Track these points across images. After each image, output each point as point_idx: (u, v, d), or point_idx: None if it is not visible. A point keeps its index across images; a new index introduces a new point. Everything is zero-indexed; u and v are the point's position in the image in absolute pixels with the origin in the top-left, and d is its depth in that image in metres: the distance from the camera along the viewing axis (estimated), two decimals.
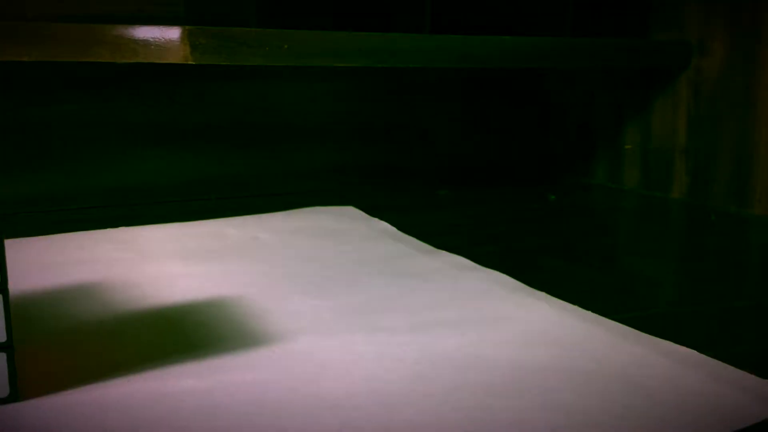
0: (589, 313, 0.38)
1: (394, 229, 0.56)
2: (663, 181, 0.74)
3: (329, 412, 0.27)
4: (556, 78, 0.85)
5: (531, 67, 0.66)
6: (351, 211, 0.62)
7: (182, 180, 0.66)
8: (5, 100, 0.59)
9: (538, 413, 0.27)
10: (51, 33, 0.50)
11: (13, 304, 0.32)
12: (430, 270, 0.46)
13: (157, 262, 0.46)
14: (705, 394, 0.29)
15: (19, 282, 0.41)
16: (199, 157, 0.66)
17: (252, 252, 0.50)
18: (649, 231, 0.62)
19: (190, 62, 0.50)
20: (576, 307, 0.39)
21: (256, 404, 0.28)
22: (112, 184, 0.63)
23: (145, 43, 0.50)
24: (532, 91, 0.85)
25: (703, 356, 0.33)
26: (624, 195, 0.76)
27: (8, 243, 0.40)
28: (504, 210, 0.67)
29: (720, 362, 0.32)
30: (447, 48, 0.61)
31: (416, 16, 0.64)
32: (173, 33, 0.50)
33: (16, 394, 0.28)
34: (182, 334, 0.35)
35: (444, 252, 0.50)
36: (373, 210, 0.62)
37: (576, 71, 0.82)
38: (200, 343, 0.34)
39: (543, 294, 0.41)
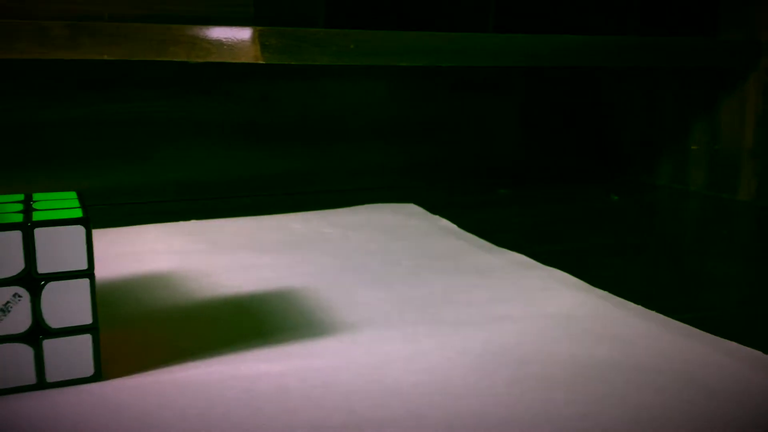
0: (652, 312, 0.38)
1: (454, 226, 0.57)
2: (730, 183, 0.73)
3: (395, 399, 0.28)
4: (621, 76, 0.84)
5: (595, 65, 0.65)
6: (412, 208, 0.63)
7: (250, 175, 0.67)
8: (84, 97, 0.62)
9: (597, 408, 0.28)
10: (128, 33, 0.52)
11: (96, 289, 0.34)
12: (491, 267, 0.46)
13: (228, 254, 0.48)
14: None
15: (99, 269, 0.43)
16: (266, 154, 0.68)
17: (317, 246, 0.51)
18: (714, 232, 0.61)
19: (260, 62, 0.51)
20: (638, 306, 0.39)
21: (325, 388, 0.29)
22: (183, 179, 0.65)
23: (218, 43, 0.52)
24: (596, 89, 0.84)
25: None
26: (689, 196, 0.75)
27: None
28: (565, 209, 0.67)
29: None
30: (510, 47, 0.61)
31: (480, 14, 0.64)
32: (245, 33, 0.52)
33: (99, 374, 0.30)
34: (254, 321, 0.36)
35: (505, 249, 0.50)
36: (433, 208, 0.62)
37: (641, 70, 0.81)
38: (271, 330, 0.35)
39: (605, 293, 0.41)
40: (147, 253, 0.48)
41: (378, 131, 0.73)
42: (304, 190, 0.69)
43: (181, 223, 0.56)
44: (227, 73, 0.66)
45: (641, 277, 0.46)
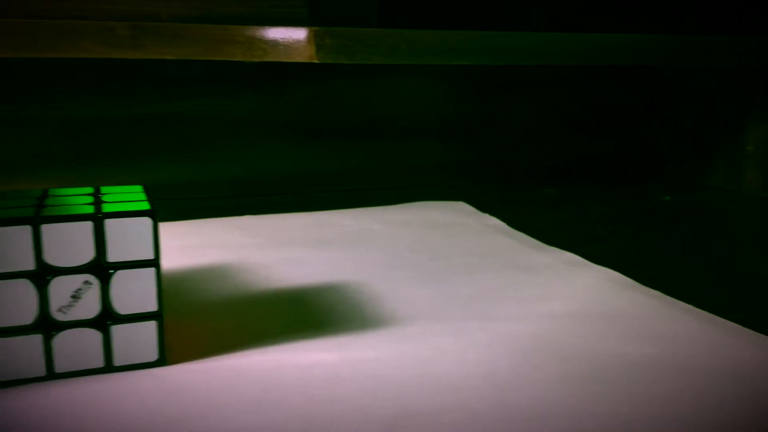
0: (703, 312, 0.38)
1: (503, 224, 0.57)
2: None
3: (444, 391, 0.29)
4: (674, 75, 0.83)
5: (646, 64, 0.65)
6: (461, 206, 0.64)
7: (302, 172, 0.69)
8: (145, 95, 0.64)
9: (645, 406, 0.28)
10: (188, 33, 0.54)
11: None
12: (539, 265, 0.46)
13: (281, 248, 0.49)
14: None
15: (162, 261, 0.45)
16: (318, 152, 0.69)
17: (367, 242, 0.52)
18: (766, 233, 0.60)
19: (314, 61, 0.52)
20: (689, 306, 0.39)
21: (376, 379, 0.30)
22: (238, 176, 0.67)
23: (274, 43, 0.53)
24: (647, 88, 0.83)
25: None
26: (743, 197, 0.73)
27: None
28: (615, 209, 0.67)
29: None
30: (561, 46, 0.61)
31: (532, 13, 0.64)
32: (300, 33, 0.53)
33: (163, 359, 0.31)
34: (307, 312, 0.38)
35: (554, 248, 0.50)
36: (481, 206, 0.63)
37: (696, 69, 0.80)
38: (323, 322, 0.36)
39: (655, 292, 0.41)
40: (205, 246, 0.49)
41: (428, 130, 0.74)
42: (355, 188, 0.70)
43: (237, 218, 0.58)
44: (280, 72, 0.68)
45: (691, 277, 0.46)
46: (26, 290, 0.29)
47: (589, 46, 0.61)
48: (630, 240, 0.56)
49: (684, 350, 0.33)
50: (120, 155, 0.63)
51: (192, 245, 0.49)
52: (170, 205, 0.61)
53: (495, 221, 0.58)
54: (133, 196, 0.33)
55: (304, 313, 0.38)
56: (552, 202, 0.69)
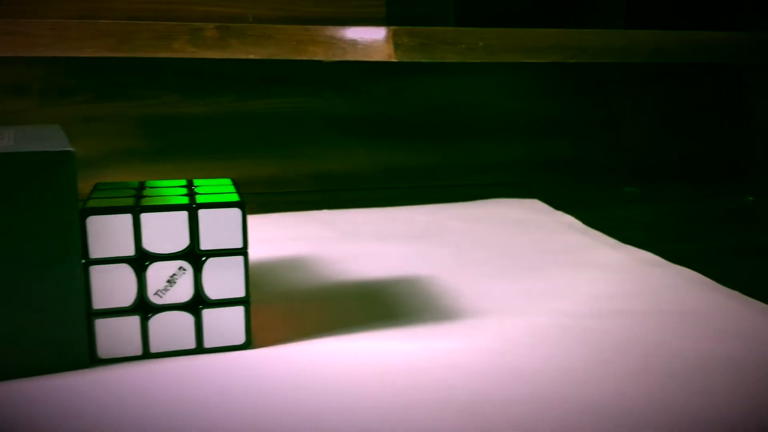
0: None
1: (579, 222, 0.57)
2: None
3: (517, 383, 0.30)
4: (756, 72, 0.80)
5: (726, 62, 0.64)
6: (536, 203, 0.64)
7: (378, 169, 0.70)
8: (229, 93, 0.66)
9: (721, 403, 0.28)
10: (272, 33, 0.56)
11: None
12: (615, 263, 0.46)
13: (358, 242, 0.51)
14: None
15: None
16: (394, 149, 0.71)
17: (441, 237, 0.53)
18: None
19: (393, 60, 0.54)
20: (767, 306, 0.38)
21: (451, 368, 0.31)
22: (316, 171, 0.69)
23: (354, 43, 0.54)
24: (729, 85, 0.81)
25: None
26: None
27: None
28: (696, 208, 0.65)
29: None
30: (639, 43, 0.61)
31: (611, 11, 0.64)
32: (379, 33, 0.54)
33: (249, 342, 0.33)
34: (383, 303, 0.39)
35: (631, 247, 0.50)
36: (556, 204, 0.63)
37: None
38: (399, 313, 0.37)
39: (735, 292, 0.41)
40: (285, 239, 0.51)
41: (505, 127, 0.74)
42: (430, 184, 0.71)
43: (314, 212, 0.60)
44: (358, 70, 0.69)
45: None
46: (126, 275, 0.31)
47: (666, 44, 0.60)
48: (710, 240, 0.55)
49: (762, 349, 0.33)
50: (204, 150, 0.65)
51: (272, 237, 0.51)
52: (250, 198, 0.63)
53: (570, 219, 0.58)
54: (224, 188, 0.35)
55: (380, 304, 0.39)
56: (631, 201, 0.68)
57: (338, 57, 0.54)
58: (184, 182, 0.36)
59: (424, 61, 0.54)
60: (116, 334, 0.31)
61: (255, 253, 0.47)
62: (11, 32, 0.49)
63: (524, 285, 0.42)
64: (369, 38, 0.54)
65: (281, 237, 0.52)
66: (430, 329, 0.35)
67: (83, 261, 0.30)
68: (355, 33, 0.55)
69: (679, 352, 0.33)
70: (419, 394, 0.29)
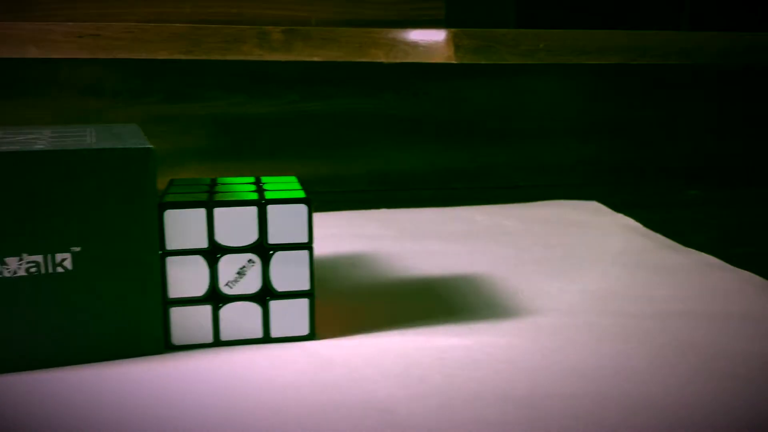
0: None
1: (639, 224, 0.57)
2: None
3: (576, 379, 0.30)
4: None
5: None
6: (595, 205, 0.64)
7: (436, 169, 0.71)
8: (293, 94, 0.68)
9: None
10: (335, 36, 0.57)
11: None
12: (676, 265, 0.46)
13: (416, 240, 0.52)
14: None
15: None
16: (453, 149, 0.71)
17: (499, 237, 0.53)
18: None
19: (452, 62, 0.54)
20: None
21: (510, 364, 0.32)
22: (374, 171, 0.70)
23: (415, 45, 0.55)
24: None
25: None
26: None
27: None
28: (758, 212, 0.64)
29: None
30: (701, 45, 0.60)
31: (674, 12, 0.63)
32: (439, 35, 0.55)
33: (313, 333, 0.34)
34: (442, 300, 0.40)
35: (691, 250, 0.50)
36: (616, 206, 0.62)
37: None
38: (458, 309, 0.38)
39: None
40: (345, 236, 0.53)
41: (565, 129, 0.74)
42: (489, 185, 0.72)
43: (374, 211, 0.61)
44: (418, 72, 0.70)
45: None
46: (199, 266, 0.32)
47: (729, 45, 0.59)
48: None
49: None
50: (269, 149, 0.67)
51: (332, 234, 0.53)
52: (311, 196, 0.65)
53: (630, 221, 0.58)
54: (290, 185, 0.36)
55: (439, 301, 0.40)
56: (694, 204, 0.67)
57: (399, 59, 0.55)
58: (252, 179, 0.38)
59: (484, 62, 0.55)
60: (189, 322, 0.33)
61: (317, 248, 0.48)
62: (93, 35, 0.52)
63: (583, 285, 0.42)
64: (430, 40, 0.55)
65: (341, 234, 0.53)
66: (488, 326, 0.36)
67: (160, 252, 0.32)
68: (417, 35, 0.56)
69: (740, 354, 0.33)
70: (479, 386, 0.30)
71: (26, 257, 0.30)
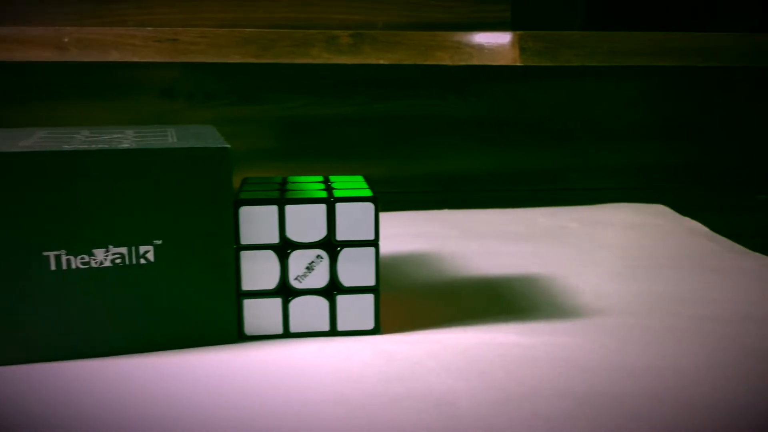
0: None
1: (705, 228, 0.56)
2: None
3: (635, 379, 0.31)
4: None
5: None
6: (660, 209, 0.63)
7: (500, 171, 0.71)
8: (358, 97, 0.69)
9: None
10: (401, 40, 0.59)
11: None
12: (740, 269, 0.46)
13: (478, 240, 0.53)
14: None
15: None
16: (517, 151, 0.72)
17: (561, 239, 0.54)
18: None
19: (517, 64, 0.55)
20: None
21: (568, 361, 0.32)
22: (437, 172, 0.71)
23: (480, 47, 0.56)
24: None
25: None
26: None
27: None
28: None
29: None
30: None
31: (744, 13, 0.62)
32: (504, 38, 0.56)
33: (378, 328, 0.35)
34: (503, 299, 0.40)
35: (758, 254, 0.49)
36: (683, 209, 0.62)
37: None
38: (519, 309, 0.39)
39: None
40: (408, 235, 0.54)
41: (630, 131, 0.73)
42: (552, 187, 0.72)
43: (436, 212, 0.62)
44: (482, 74, 0.71)
45: None
46: (271, 260, 0.34)
47: None
48: None
49: None
50: (335, 150, 0.69)
51: (396, 234, 0.54)
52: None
53: (696, 225, 0.57)
54: (357, 184, 0.37)
55: (500, 299, 0.40)
56: (763, 209, 0.66)
57: (464, 61, 0.56)
58: (321, 178, 0.39)
59: (549, 64, 0.55)
60: (261, 313, 0.34)
61: (381, 247, 0.50)
62: (170, 39, 0.55)
63: (645, 287, 0.42)
64: (495, 43, 0.56)
65: (404, 233, 0.54)
66: (548, 325, 0.37)
67: (234, 247, 0.33)
68: (482, 38, 0.56)
69: None
70: (538, 383, 0.30)
71: (112, 249, 0.32)
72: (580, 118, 0.72)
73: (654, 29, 0.59)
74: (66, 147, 0.31)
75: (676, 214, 0.61)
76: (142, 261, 0.32)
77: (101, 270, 0.32)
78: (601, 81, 0.72)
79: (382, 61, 0.57)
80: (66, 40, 0.56)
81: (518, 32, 0.55)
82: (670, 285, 0.43)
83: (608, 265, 0.47)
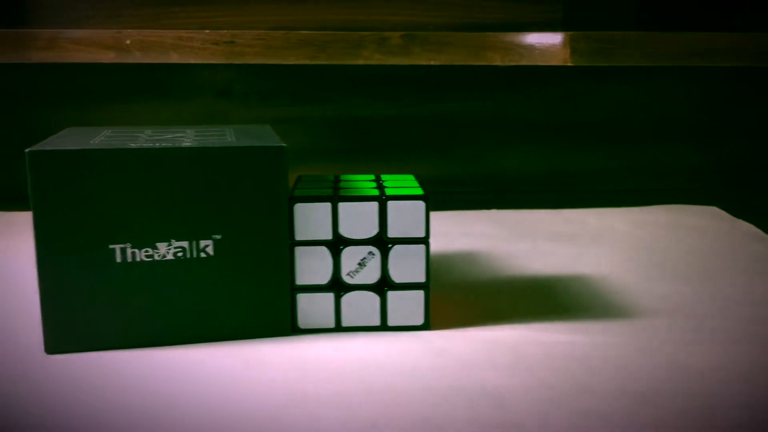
0: None
1: (761, 231, 0.55)
2: None
3: (687, 379, 0.31)
4: None
5: None
6: (714, 211, 0.62)
7: (550, 172, 0.71)
8: (410, 97, 0.70)
9: None
10: (452, 41, 0.59)
11: None
12: None
13: (527, 240, 0.53)
14: None
15: None
16: (567, 152, 0.71)
17: (611, 240, 0.53)
18: None
19: (568, 64, 0.55)
20: None
21: (619, 360, 0.32)
22: (488, 172, 0.71)
23: (531, 48, 0.56)
24: None
25: None
26: None
27: None
28: None
29: None
30: None
31: None
32: (556, 38, 0.56)
33: (428, 324, 0.36)
34: (552, 298, 0.41)
35: None
36: (737, 212, 0.61)
37: None
38: (568, 308, 0.39)
39: None
40: (457, 234, 0.54)
41: (682, 132, 0.73)
42: (603, 188, 0.71)
43: (485, 211, 0.62)
44: (532, 74, 0.70)
45: None
46: (324, 256, 0.35)
47: None
48: None
49: None
50: (386, 149, 0.70)
51: (445, 232, 0.54)
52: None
53: (750, 228, 0.56)
54: (408, 183, 0.38)
55: (549, 298, 0.41)
56: None
57: (515, 62, 0.56)
58: (373, 176, 0.40)
59: (600, 65, 0.55)
60: (314, 308, 0.35)
61: (431, 244, 0.50)
62: (228, 42, 0.56)
63: (697, 289, 0.42)
64: (546, 43, 0.56)
65: (453, 232, 0.55)
66: (599, 325, 0.37)
67: (289, 242, 0.35)
68: (533, 38, 0.57)
69: None
70: (588, 381, 0.31)
71: (174, 243, 0.33)
72: (631, 119, 0.71)
73: (707, 30, 0.58)
74: (132, 145, 0.33)
75: (730, 217, 0.60)
76: (202, 255, 0.33)
77: (163, 263, 0.33)
78: (654, 81, 0.71)
79: (433, 62, 0.58)
80: (128, 42, 0.58)
81: (570, 32, 0.55)
82: (724, 287, 0.42)
83: (660, 267, 0.47)
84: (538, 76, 0.70)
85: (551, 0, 0.67)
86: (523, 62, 0.56)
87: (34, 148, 0.32)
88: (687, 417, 0.28)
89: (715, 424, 0.27)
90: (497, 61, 0.57)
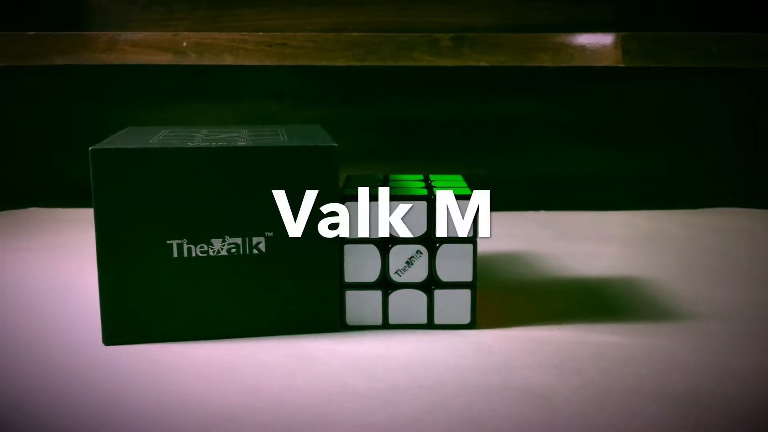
0: None
1: None
2: None
3: (735, 382, 0.30)
4: None
5: None
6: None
7: (599, 173, 0.71)
8: (457, 98, 0.70)
9: None
10: (502, 42, 0.59)
11: None
12: None
13: (574, 242, 0.53)
14: None
15: None
16: (617, 153, 0.70)
17: (662, 242, 0.53)
18: None
19: (620, 65, 0.55)
20: None
21: (668, 363, 0.32)
22: (536, 174, 0.71)
23: (581, 49, 0.56)
24: None
25: None
26: None
27: None
28: None
29: None
30: None
31: None
32: (607, 39, 0.55)
33: (474, 322, 0.36)
34: (601, 299, 0.41)
35: None
36: None
37: None
38: (617, 309, 0.39)
39: None
40: (504, 235, 0.54)
41: (735, 134, 0.71)
42: (653, 190, 0.70)
43: (532, 213, 0.62)
44: (581, 75, 0.70)
45: None
46: (373, 254, 0.36)
47: None
48: None
49: None
50: (434, 150, 0.70)
51: (493, 233, 0.54)
52: None
53: None
54: (455, 183, 0.38)
55: (597, 300, 0.40)
56: None
57: (565, 63, 0.56)
58: (421, 176, 0.40)
59: (652, 65, 0.54)
60: (362, 304, 0.36)
61: (478, 244, 0.50)
62: (280, 44, 0.57)
63: (748, 294, 0.41)
64: (597, 44, 0.56)
65: (500, 233, 0.55)
66: (647, 326, 0.36)
67: (339, 240, 0.35)
68: (584, 39, 0.56)
69: None
70: (635, 382, 0.30)
71: (228, 239, 0.34)
72: (684, 121, 0.70)
73: (762, 30, 0.57)
74: (190, 144, 0.34)
75: None
76: (255, 251, 0.34)
77: (218, 258, 0.34)
78: (708, 82, 0.70)
79: (482, 63, 0.58)
80: (184, 44, 0.59)
81: (621, 33, 0.55)
82: None
83: (712, 270, 0.46)
84: (589, 77, 0.70)
85: (602, 0, 0.66)
86: (574, 63, 0.56)
87: (97, 146, 0.33)
88: (733, 421, 0.27)
89: (762, 429, 0.27)
90: (548, 62, 0.57)
